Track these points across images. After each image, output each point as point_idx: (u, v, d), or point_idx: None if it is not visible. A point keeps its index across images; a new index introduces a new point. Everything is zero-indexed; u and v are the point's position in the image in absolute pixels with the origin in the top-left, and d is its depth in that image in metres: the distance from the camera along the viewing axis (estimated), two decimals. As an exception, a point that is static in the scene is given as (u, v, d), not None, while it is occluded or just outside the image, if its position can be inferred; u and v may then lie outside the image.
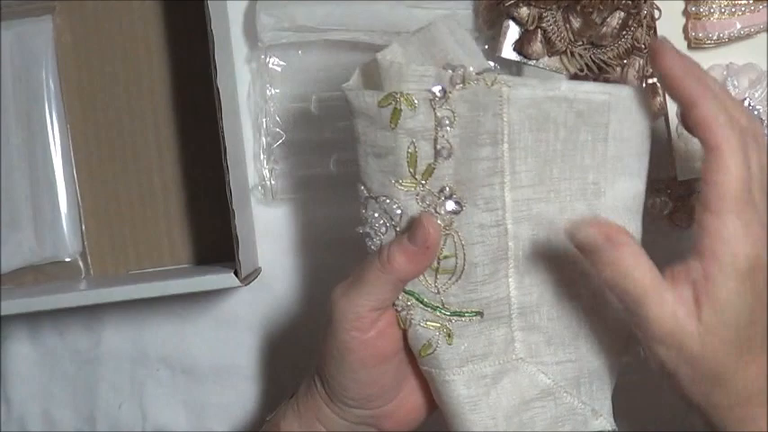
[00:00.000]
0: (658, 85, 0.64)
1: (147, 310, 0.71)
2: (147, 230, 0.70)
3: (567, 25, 0.63)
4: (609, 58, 0.63)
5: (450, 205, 0.51)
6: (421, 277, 0.52)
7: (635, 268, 0.48)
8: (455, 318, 0.52)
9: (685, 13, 0.64)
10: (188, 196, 0.69)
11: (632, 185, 0.52)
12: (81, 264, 0.70)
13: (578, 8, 0.62)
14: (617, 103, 0.51)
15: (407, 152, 0.50)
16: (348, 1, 0.64)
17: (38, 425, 0.73)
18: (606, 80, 0.63)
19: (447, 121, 0.50)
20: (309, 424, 0.57)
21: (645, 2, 0.62)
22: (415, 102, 0.49)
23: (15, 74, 0.69)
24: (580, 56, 0.63)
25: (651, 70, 0.64)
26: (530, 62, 0.64)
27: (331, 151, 0.67)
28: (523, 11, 0.63)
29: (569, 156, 0.52)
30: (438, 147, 0.50)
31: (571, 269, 0.53)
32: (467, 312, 0.52)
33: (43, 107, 0.69)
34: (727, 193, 0.46)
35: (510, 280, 0.53)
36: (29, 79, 0.69)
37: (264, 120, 0.68)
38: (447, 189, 0.51)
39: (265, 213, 0.68)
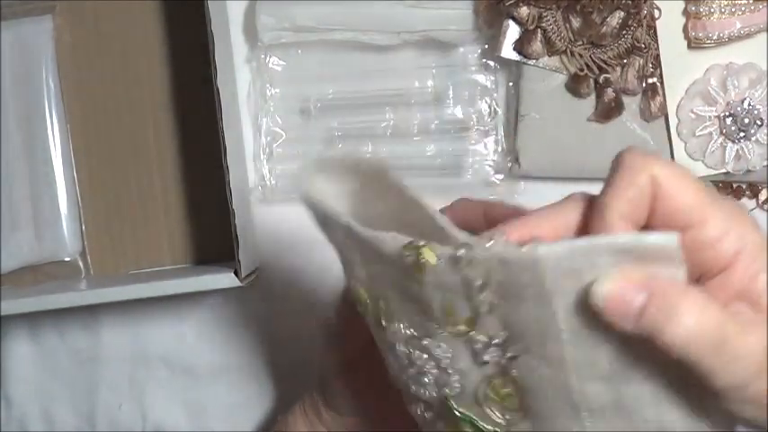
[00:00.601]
0: (658, 84, 0.64)
1: (147, 310, 0.71)
2: (146, 230, 0.70)
3: (567, 25, 0.63)
4: (609, 57, 0.63)
5: (503, 352, 0.43)
6: (486, 411, 0.45)
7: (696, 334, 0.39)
8: None
9: (685, 12, 0.64)
10: (188, 196, 0.69)
11: None
12: (81, 263, 0.70)
13: (578, 8, 0.62)
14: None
15: (442, 304, 0.42)
16: (348, 1, 0.64)
17: (38, 425, 0.73)
18: (606, 80, 0.63)
19: (480, 279, 0.41)
20: (313, 424, 0.58)
21: (645, 2, 0.62)
22: (438, 255, 0.41)
23: (15, 74, 0.69)
24: (580, 55, 0.63)
25: (651, 70, 0.64)
26: (530, 62, 0.64)
27: (331, 151, 0.67)
28: (523, 11, 0.63)
29: None
30: (474, 302, 0.42)
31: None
32: None
33: (43, 107, 0.69)
34: None
35: (586, 423, 0.43)
36: (29, 79, 0.69)
37: (264, 120, 0.68)
38: (497, 339, 0.43)
39: (265, 213, 0.68)
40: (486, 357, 0.43)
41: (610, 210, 0.39)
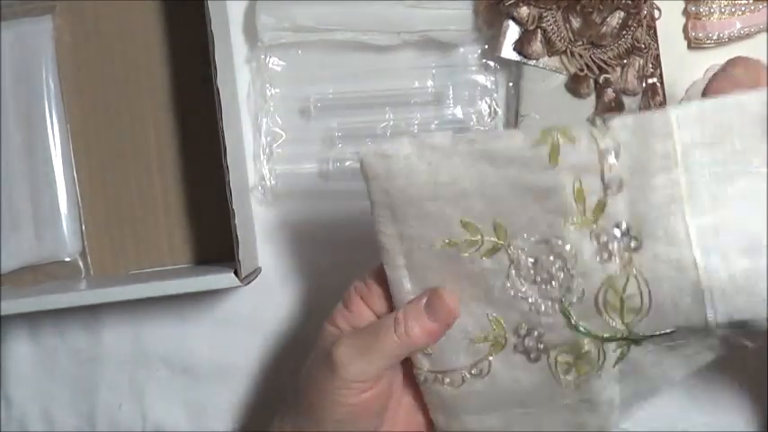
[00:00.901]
0: (658, 85, 0.64)
1: (147, 310, 0.71)
2: (147, 230, 0.70)
3: (567, 25, 0.63)
4: (609, 57, 0.63)
5: (628, 242, 0.47)
6: (606, 318, 0.49)
7: None
8: (646, 339, 0.49)
9: (685, 12, 0.64)
10: (188, 196, 0.69)
11: None
12: (81, 263, 0.70)
13: (578, 8, 0.62)
14: None
15: (574, 188, 0.47)
16: (348, 1, 0.64)
17: (38, 425, 0.73)
18: (606, 80, 0.63)
19: (612, 152, 0.46)
20: None
21: (645, 2, 0.62)
22: (575, 135, 0.46)
23: (15, 74, 0.69)
24: (580, 56, 0.64)
25: (651, 70, 0.64)
26: (530, 62, 0.64)
27: (331, 151, 0.68)
28: (523, 11, 0.63)
29: (751, 167, 0.46)
30: (606, 180, 0.46)
31: None
32: (660, 334, 0.49)
33: (43, 107, 0.69)
34: None
35: (708, 317, 0.47)
36: (29, 79, 0.69)
37: (264, 120, 0.68)
38: (623, 224, 0.47)
39: (265, 213, 0.68)
40: (612, 247, 0.47)
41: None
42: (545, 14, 0.63)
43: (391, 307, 0.53)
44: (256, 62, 0.68)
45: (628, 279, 0.47)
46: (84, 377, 0.73)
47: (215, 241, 0.69)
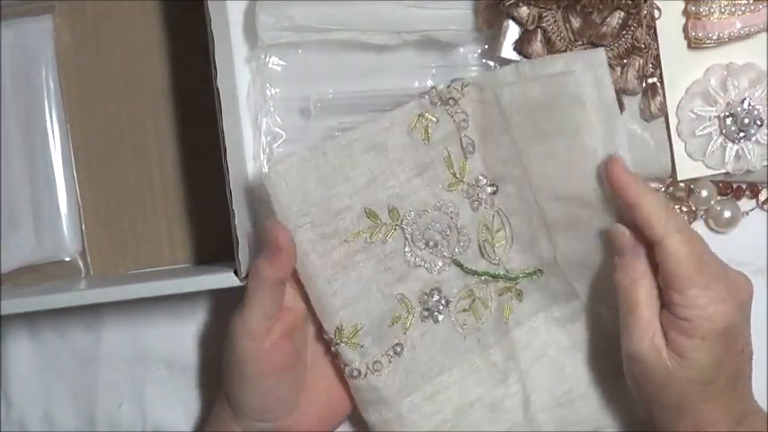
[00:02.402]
0: (658, 84, 0.64)
1: (147, 310, 0.71)
2: (147, 230, 0.70)
3: (567, 25, 0.63)
4: (609, 57, 0.63)
5: (489, 189, 0.63)
6: (484, 254, 0.63)
7: (641, 283, 0.55)
8: (522, 279, 0.64)
9: (685, 12, 0.64)
10: (188, 196, 0.69)
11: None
12: (81, 263, 0.69)
13: (578, 8, 0.62)
14: (582, 73, 0.58)
15: (443, 158, 0.61)
16: (348, 1, 0.64)
17: (38, 425, 0.73)
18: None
19: (464, 123, 0.61)
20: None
21: (645, 1, 0.62)
22: (437, 115, 0.61)
23: (15, 74, 0.69)
24: (580, 56, 0.63)
25: (651, 70, 0.64)
26: (530, 62, 0.64)
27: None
28: (523, 11, 0.63)
29: (563, 124, 0.59)
30: (464, 145, 0.62)
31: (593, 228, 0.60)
32: (530, 273, 0.64)
33: (43, 107, 0.69)
34: (690, 273, 0.53)
35: (557, 240, 0.62)
36: (29, 79, 0.69)
37: (264, 120, 0.68)
38: (481, 177, 0.63)
39: (265, 213, 0.68)
40: (480, 196, 0.63)
41: None
42: (545, 14, 0.63)
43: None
44: (256, 62, 0.67)
45: (494, 216, 0.63)
46: (84, 377, 0.73)
47: (215, 241, 0.68)
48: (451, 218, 0.62)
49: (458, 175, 0.62)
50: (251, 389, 0.60)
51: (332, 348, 0.61)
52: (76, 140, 0.69)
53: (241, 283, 0.61)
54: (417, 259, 0.62)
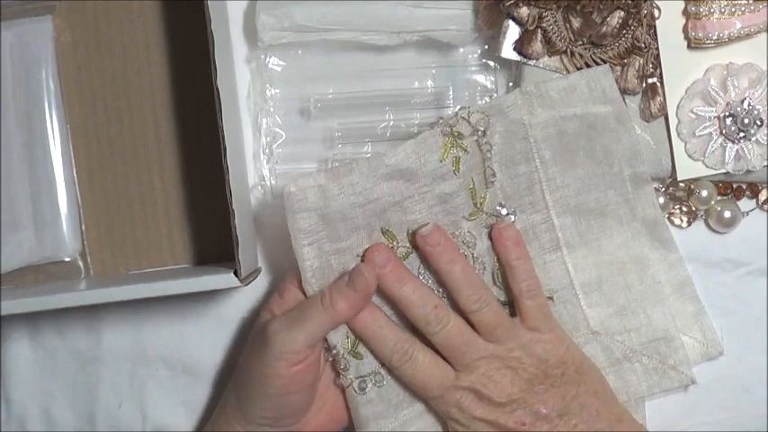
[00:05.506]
0: (658, 84, 0.64)
1: (147, 310, 0.71)
2: (147, 230, 0.70)
3: (567, 25, 0.63)
4: (609, 57, 0.63)
5: (507, 219, 0.63)
6: (496, 281, 0.63)
7: None
8: None
9: (685, 12, 0.64)
10: (188, 196, 0.69)
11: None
12: (81, 263, 0.70)
13: (578, 8, 0.62)
14: (618, 114, 0.62)
15: (468, 189, 0.62)
16: (348, 1, 0.64)
17: (38, 425, 0.73)
18: (606, 80, 0.64)
19: (489, 154, 0.62)
20: None
21: (645, 1, 0.62)
22: (466, 145, 0.61)
23: (15, 74, 0.69)
24: (580, 55, 0.64)
25: (651, 70, 0.64)
26: (530, 62, 0.64)
27: (331, 151, 0.68)
28: (523, 11, 0.63)
29: (591, 157, 0.63)
30: (487, 175, 0.62)
31: (615, 248, 0.64)
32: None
33: (43, 107, 0.69)
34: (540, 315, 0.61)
35: (568, 266, 0.64)
36: (29, 79, 0.69)
37: (264, 120, 0.68)
38: (498, 207, 0.63)
39: (265, 213, 0.68)
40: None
41: None
42: (545, 14, 0.63)
43: None
44: (256, 62, 0.68)
45: None
46: (84, 377, 0.73)
47: (215, 241, 0.69)
48: (468, 246, 0.63)
49: (479, 205, 0.63)
50: (270, 401, 0.60)
51: (331, 359, 0.62)
52: (76, 140, 0.69)
53: (241, 284, 0.61)
54: (429, 282, 0.62)
